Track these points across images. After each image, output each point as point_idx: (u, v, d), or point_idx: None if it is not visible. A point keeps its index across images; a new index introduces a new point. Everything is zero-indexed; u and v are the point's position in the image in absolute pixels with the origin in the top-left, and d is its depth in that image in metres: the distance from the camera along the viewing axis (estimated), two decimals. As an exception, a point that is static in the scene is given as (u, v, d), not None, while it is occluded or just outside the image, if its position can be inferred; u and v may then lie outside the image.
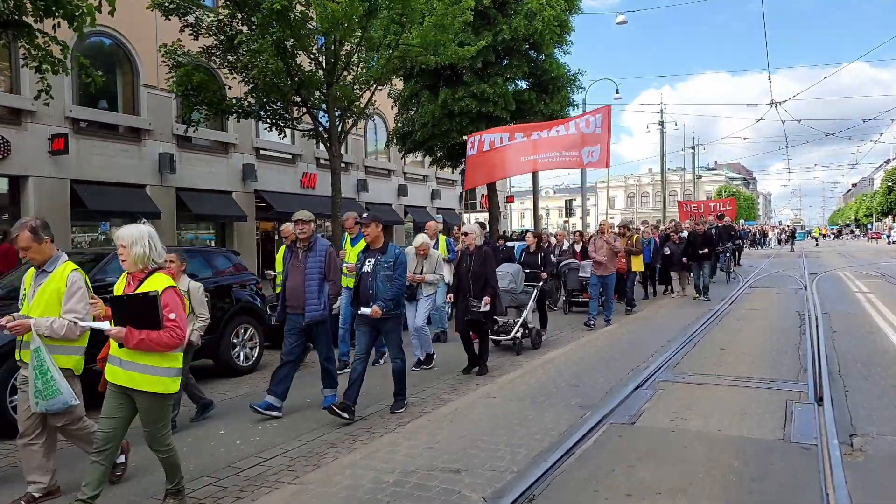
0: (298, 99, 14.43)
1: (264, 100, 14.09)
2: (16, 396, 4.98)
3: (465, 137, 11.96)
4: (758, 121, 33.83)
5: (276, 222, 23.96)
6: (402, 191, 30.21)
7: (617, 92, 33.03)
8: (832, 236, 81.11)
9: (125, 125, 18.02)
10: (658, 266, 15.70)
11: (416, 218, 31.49)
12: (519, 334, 9.00)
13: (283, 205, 22.67)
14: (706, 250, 14.36)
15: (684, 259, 14.79)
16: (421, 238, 8.35)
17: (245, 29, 13.36)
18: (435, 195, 32.65)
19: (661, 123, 41.20)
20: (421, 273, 8.12)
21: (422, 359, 8.02)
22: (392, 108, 22.48)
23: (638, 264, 13.39)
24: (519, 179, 62.59)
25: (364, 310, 5.88)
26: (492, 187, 23.06)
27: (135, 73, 18.22)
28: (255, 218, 22.26)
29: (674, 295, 15.69)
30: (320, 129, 14.99)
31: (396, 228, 29.39)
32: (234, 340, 8.09)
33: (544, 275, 9.94)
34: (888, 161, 79.94)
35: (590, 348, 9.09)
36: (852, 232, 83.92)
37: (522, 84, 21.23)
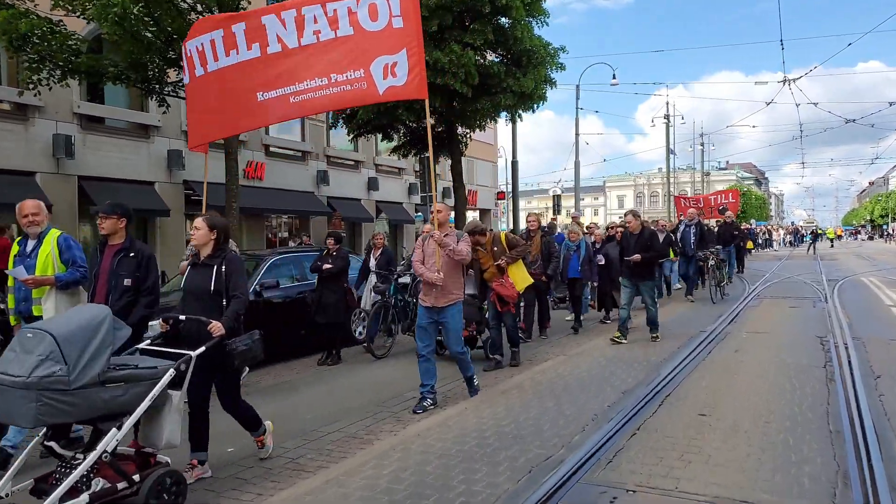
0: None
1: (133, 56, 10.94)
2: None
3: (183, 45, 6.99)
4: (768, 104, 30.54)
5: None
6: (372, 184, 27.37)
7: (614, 77, 29.78)
8: (849, 236, 77.57)
9: (8, 100, 15.12)
10: (590, 283, 11.33)
11: (390, 215, 28.61)
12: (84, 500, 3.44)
13: (220, 198, 19.72)
14: (636, 256, 8.92)
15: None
16: None
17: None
18: (413, 189, 29.75)
19: (667, 117, 38.99)
20: None
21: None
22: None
23: (522, 281, 7.82)
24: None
25: None
26: (458, 176, 19.60)
27: (21, 39, 15.30)
28: (183, 213, 19.24)
29: (608, 320, 11.19)
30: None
31: (365, 226, 26.51)
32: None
33: (217, 326, 4.18)
34: (905, 159, 76.60)
35: (482, 415, 5.46)
36: (870, 236, 80.00)
37: (494, 58, 18.20)
